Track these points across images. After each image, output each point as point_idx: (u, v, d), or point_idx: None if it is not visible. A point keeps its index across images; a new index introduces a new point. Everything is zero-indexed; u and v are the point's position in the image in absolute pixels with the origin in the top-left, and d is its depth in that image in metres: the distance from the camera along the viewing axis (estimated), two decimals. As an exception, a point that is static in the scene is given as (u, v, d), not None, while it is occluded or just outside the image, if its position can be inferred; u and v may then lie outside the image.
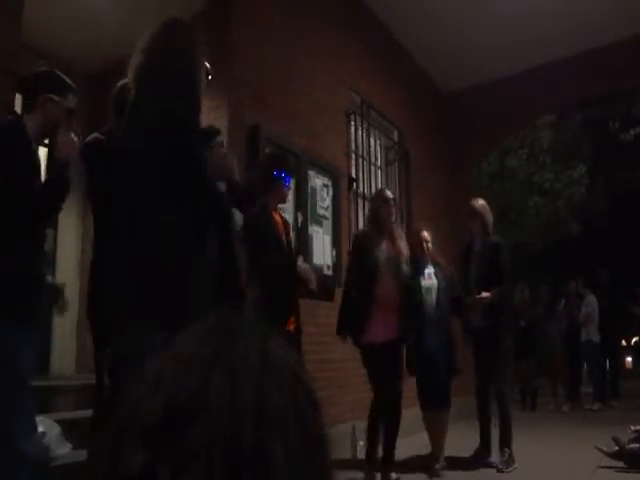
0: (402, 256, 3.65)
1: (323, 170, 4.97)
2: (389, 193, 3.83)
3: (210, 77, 2.09)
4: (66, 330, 5.14)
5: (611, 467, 3.92)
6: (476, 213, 4.41)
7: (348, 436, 4.14)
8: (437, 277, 4.22)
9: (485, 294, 4.08)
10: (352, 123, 5.60)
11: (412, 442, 4.21)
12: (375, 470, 3.49)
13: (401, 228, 3.88)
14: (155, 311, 1.70)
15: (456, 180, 7.62)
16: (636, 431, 4.03)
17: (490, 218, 4.43)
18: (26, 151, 2.15)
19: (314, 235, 4.79)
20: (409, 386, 3.90)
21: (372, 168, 5.99)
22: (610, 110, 12.73)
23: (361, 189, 5.68)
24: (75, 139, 2.28)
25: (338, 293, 4.85)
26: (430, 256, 4.28)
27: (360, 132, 5.76)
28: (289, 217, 4.06)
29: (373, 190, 5.67)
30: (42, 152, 2.74)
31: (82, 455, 2.53)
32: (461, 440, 4.51)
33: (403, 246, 3.70)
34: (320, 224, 4.90)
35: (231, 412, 0.41)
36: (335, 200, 5.12)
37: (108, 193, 1.98)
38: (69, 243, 5.23)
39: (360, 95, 5.78)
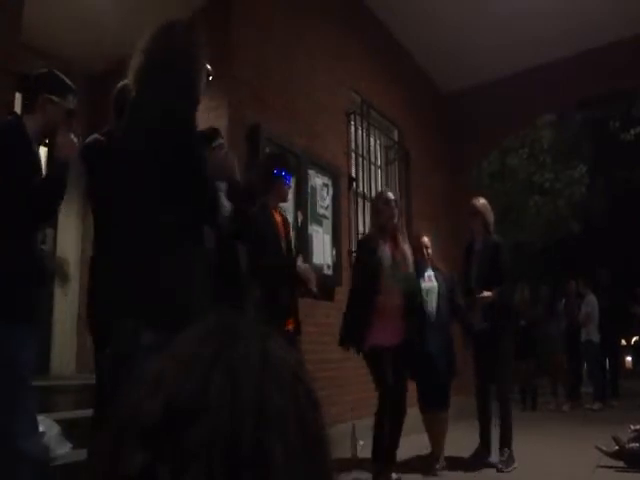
0: (407, 260, 3.64)
1: (323, 170, 4.97)
2: (391, 194, 3.81)
3: (211, 77, 2.09)
4: (66, 327, 5.14)
5: (611, 467, 3.92)
6: (477, 212, 4.40)
7: (348, 436, 4.14)
8: (437, 280, 4.24)
9: (486, 293, 4.08)
10: (352, 123, 5.60)
11: (412, 442, 4.21)
12: (381, 470, 3.47)
13: (404, 229, 3.86)
14: (155, 311, 1.70)
15: (456, 180, 7.62)
16: (636, 430, 4.03)
17: (491, 217, 4.43)
18: (26, 151, 2.15)
19: (314, 234, 4.79)
20: (409, 386, 3.90)
21: (372, 168, 5.99)
22: (610, 110, 12.73)
23: (361, 189, 5.69)
24: (75, 140, 2.28)
25: (338, 293, 4.86)
26: (430, 261, 4.30)
27: (360, 132, 5.76)
28: (289, 217, 4.06)
29: (373, 190, 5.67)
30: (42, 152, 2.73)
31: (82, 455, 2.53)
32: (461, 440, 4.50)
33: (407, 248, 3.70)
34: (320, 223, 4.90)
35: (231, 412, 0.41)
36: (335, 199, 5.12)
37: (108, 193, 1.98)
38: (69, 243, 5.23)
39: (360, 95, 5.78)
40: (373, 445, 3.45)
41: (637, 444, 3.93)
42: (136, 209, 1.82)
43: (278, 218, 3.20)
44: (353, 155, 5.59)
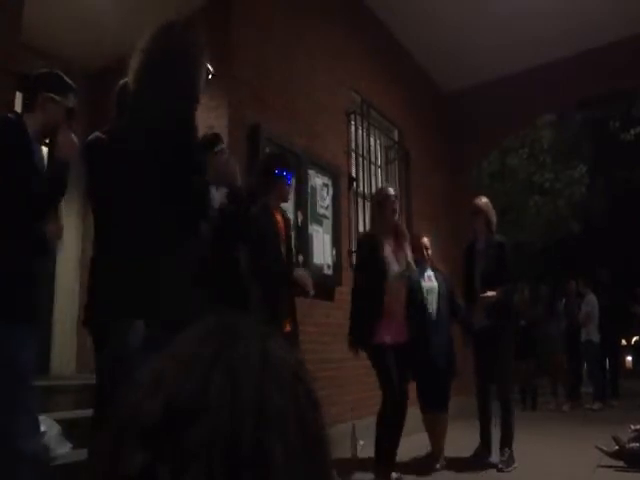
0: (409, 257, 3.63)
1: (323, 169, 4.97)
2: (391, 190, 3.81)
3: (211, 76, 2.09)
4: (66, 327, 5.14)
5: (611, 466, 3.92)
6: (480, 211, 4.39)
7: (348, 436, 4.14)
8: (437, 280, 4.25)
9: (491, 293, 4.07)
10: (352, 123, 5.60)
11: (412, 442, 4.21)
12: (383, 470, 3.46)
13: (405, 226, 3.86)
14: (155, 311, 1.70)
15: (456, 180, 7.62)
16: (636, 430, 4.03)
17: (494, 216, 4.42)
18: (26, 151, 2.15)
19: (314, 234, 4.79)
20: (409, 386, 3.90)
21: (372, 167, 5.99)
22: (610, 110, 12.74)
23: (361, 188, 5.68)
24: (75, 139, 2.28)
25: (338, 292, 4.86)
26: (430, 261, 4.30)
27: (360, 132, 5.76)
28: (289, 217, 4.06)
29: (373, 189, 5.67)
30: (43, 152, 2.73)
31: (82, 455, 2.53)
32: (461, 440, 4.51)
33: (407, 246, 3.69)
34: (320, 223, 4.90)
35: (231, 412, 0.41)
36: (335, 199, 5.12)
37: (108, 193, 1.98)
38: (69, 243, 5.23)
39: (360, 95, 5.78)
40: (376, 445, 3.44)
41: (637, 444, 3.93)
42: (136, 209, 1.82)
43: (279, 218, 3.20)
44: (353, 155, 5.59)
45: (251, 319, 0.52)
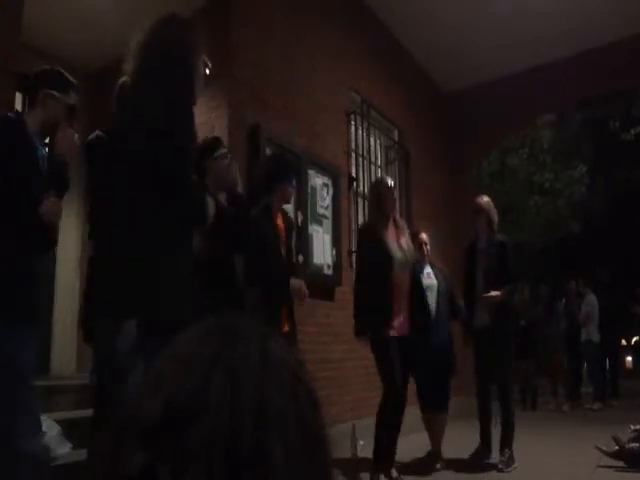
0: (410, 246, 3.63)
1: (323, 169, 4.97)
2: (390, 181, 3.80)
3: (208, 71, 2.08)
4: (66, 327, 5.14)
5: (611, 466, 3.92)
6: (481, 210, 4.38)
7: (348, 436, 4.13)
8: (437, 277, 4.23)
9: (494, 293, 4.06)
10: (352, 123, 5.60)
11: (412, 442, 4.21)
12: (381, 469, 3.46)
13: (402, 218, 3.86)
14: (155, 311, 1.70)
15: (456, 180, 7.62)
16: (636, 430, 4.03)
17: (495, 215, 4.41)
18: (26, 150, 2.14)
19: (314, 234, 4.79)
20: (408, 385, 3.90)
21: (372, 167, 5.99)
22: (610, 110, 12.75)
23: (361, 188, 5.68)
24: (75, 136, 2.27)
25: (338, 292, 4.86)
26: (428, 258, 4.29)
27: (360, 132, 5.76)
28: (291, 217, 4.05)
29: (373, 190, 5.67)
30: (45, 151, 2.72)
31: (82, 455, 2.53)
32: (461, 440, 4.50)
33: (406, 235, 3.69)
34: (320, 223, 4.90)
35: (231, 412, 0.41)
36: (335, 199, 5.12)
37: (108, 193, 1.98)
38: (69, 243, 5.23)
39: (360, 95, 5.78)
40: (375, 444, 3.44)
41: (637, 444, 3.92)
42: (136, 209, 1.82)
43: (280, 220, 3.18)
44: (353, 155, 5.59)
45: (251, 319, 0.52)
